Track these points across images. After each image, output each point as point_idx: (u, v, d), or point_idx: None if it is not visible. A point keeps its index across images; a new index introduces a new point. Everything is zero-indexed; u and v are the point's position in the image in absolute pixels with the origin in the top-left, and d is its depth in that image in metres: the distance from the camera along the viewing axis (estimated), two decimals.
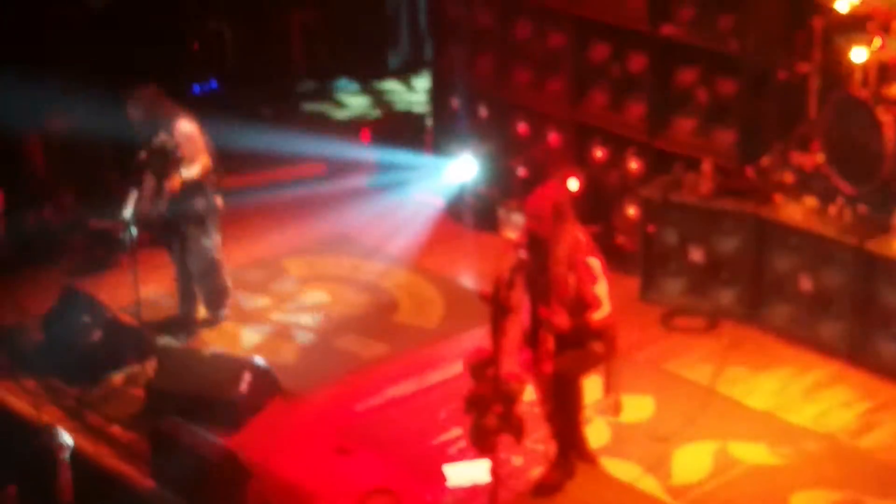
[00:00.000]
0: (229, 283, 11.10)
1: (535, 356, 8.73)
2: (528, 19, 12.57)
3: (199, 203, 10.68)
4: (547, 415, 8.75)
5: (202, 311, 11.11)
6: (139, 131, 10.59)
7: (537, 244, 8.57)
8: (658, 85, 11.68)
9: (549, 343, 8.59)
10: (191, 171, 10.55)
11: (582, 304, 8.61)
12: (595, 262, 8.68)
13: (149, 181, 10.59)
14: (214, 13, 14.54)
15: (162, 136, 10.48)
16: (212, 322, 11.07)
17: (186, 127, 10.60)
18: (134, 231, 10.20)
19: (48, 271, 11.85)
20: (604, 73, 12.12)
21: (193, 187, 10.60)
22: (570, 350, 8.62)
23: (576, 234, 8.68)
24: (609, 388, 8.89)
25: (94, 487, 9.39)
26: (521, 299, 8.70)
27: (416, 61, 16.00)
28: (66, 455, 9.06)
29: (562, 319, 8.53)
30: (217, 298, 11.05)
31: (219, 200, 10.80)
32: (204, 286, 10.99)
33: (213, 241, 10.85)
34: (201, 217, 10.72)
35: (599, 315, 8.63)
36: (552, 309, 8.48)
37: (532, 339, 8.77)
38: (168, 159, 10.51)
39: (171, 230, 10.83)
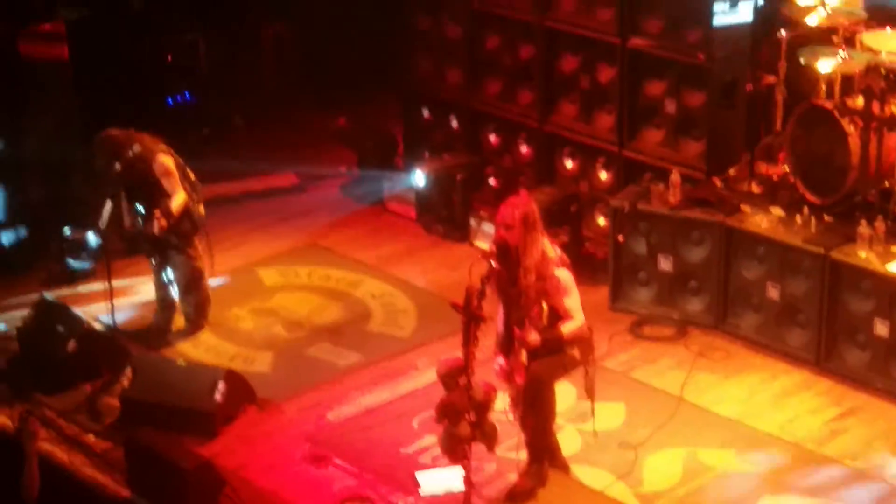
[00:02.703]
0: (210, 294, 11.16)
1: (509, 364, 8.79)
2: (497, 31, 12.67)
3: (182, 227, 10.76)
4: (520, 421, 8.79)
5: (178, 321, 11.14)
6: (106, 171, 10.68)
7: (507, 254, 8.58)
8: (627, 96, 11.80)
9: (523, 356, 8.65)
10: (173, 206, 10.61)
11: (554, 316, 8.66)
12: (565, 275, 8.67)
13: (123, 195, 10.70)
14: (189, 25, 14.52)
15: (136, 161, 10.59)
16: (189, 332, 11.09)
17: (165, 161, 10.66)
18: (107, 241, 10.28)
19: (23, 281, 11.86)
20: (573, 85, 12.25)
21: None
22: (546, 356, 8.65)
23: (545, 246, 8.71)
24: (587, 394, 8.93)
25: (69, 497, 9.41)
26: (494, 308, 8.76)
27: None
28: (35, 446, 8.90)
29: (533, 336, 8.57)
30: (199, 310, 11.09)
31: (200, 218, 10.89)
32: (188, 298, 11.03)
33: (195, 254, 10.92)
34: (183, 238, 10.82)
35: (571, 327, 8.65)
36: (523, 325, 8.49)
37: (506, 346, 8.82)
38: (145, 184, 10.60)
39: (154, 248, 10.91)
